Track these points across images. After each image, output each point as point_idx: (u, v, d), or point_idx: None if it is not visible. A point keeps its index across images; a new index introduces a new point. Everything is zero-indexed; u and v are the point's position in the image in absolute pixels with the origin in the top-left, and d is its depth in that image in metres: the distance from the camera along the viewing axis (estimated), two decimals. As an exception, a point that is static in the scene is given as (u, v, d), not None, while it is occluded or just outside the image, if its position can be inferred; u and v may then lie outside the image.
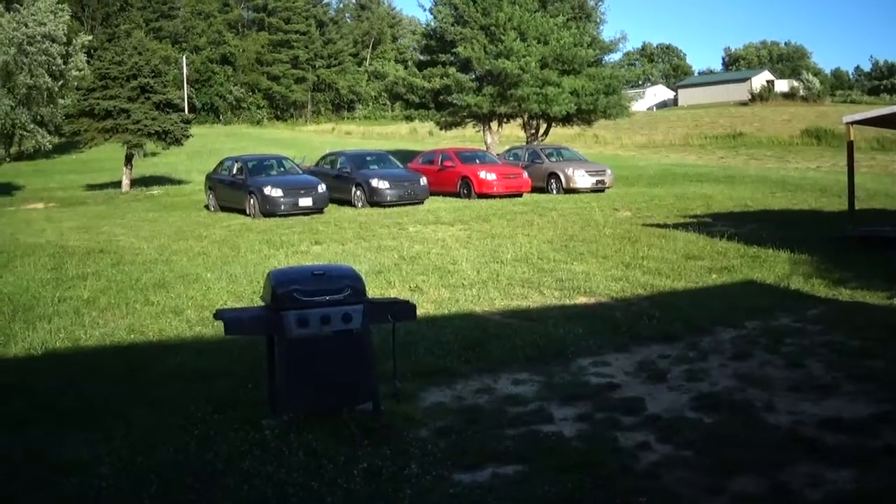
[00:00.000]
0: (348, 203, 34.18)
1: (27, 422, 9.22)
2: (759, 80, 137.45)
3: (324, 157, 40.35)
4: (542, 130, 57.42)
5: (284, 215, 30.58)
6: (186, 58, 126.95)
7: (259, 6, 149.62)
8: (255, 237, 24.99)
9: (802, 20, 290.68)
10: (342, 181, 35.08)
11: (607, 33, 64.23)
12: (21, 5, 72.05)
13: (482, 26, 51.89)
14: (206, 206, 35.77)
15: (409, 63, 62.73)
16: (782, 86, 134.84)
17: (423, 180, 34.94)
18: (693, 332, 12.85)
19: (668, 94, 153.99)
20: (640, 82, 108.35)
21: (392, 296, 14.61)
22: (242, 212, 32.12)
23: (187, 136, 53.93)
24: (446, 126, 57.76)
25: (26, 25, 69.02)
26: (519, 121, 57.09)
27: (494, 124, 55.80)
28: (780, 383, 10.17)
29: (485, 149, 49.09)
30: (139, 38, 67.73)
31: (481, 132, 57.03)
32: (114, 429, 8.79)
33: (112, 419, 9.13)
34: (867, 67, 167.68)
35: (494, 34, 51.35)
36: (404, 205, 32.98)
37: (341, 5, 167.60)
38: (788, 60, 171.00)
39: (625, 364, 11.29)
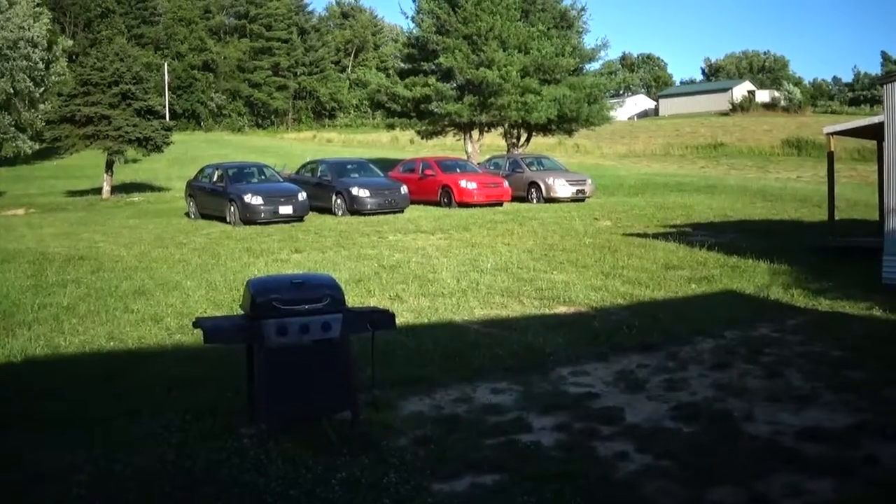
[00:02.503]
0: (329, 211, 34.16)
1: (5, 428, 9.19)
2: (740, 90, 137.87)
3: (304, 165, 40.32)
4: (522, 139, 57.51)
5: (265, 223, 30.54)
6: (168, 64, 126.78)
7: (241, 13, 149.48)
8: (235, 245, 24.96)
9: (781, 30, 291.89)
10: (323, 189, 35.05)
11: (588, 42, 64.28)
12: (-1, 10, 71.84)
13: (464, 35, 51.94)
14: (187, 214, 35.69)
15: (391, 71, 62.77)
16: (763, 96, 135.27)
17: (404, 189, 34.95)
18: (672, 342, 12.87)
19: (648, 103, 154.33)
20: (620, 91, 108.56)
21: (372, 304, 14.59)
22: (223, 219, 32.06)
23: (168, 143, 53.94)
24: (427, 135, 57.85)
25: (3, 29, 68.78)
26: (500, 130, 57.21)
27: (475, 133, 55.88)
28: (760, 393, 10.19)
29: (465, 158, 49.15)
30: (121, 45, 67.45)
31: (462, 141, 57.09)
32: (92, 436, 8.75)
33: (91, 426, 9.10)
34: (846, 78, 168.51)
35: (476, 43, 51.41)
36: (385, 213, 32.97)
37: (325, 13, 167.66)
38: (769, 71, 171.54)
39: (604, 374, 11.29)
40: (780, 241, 23.79)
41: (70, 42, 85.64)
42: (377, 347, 9.45)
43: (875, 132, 23.09)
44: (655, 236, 24.81)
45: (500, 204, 36.16)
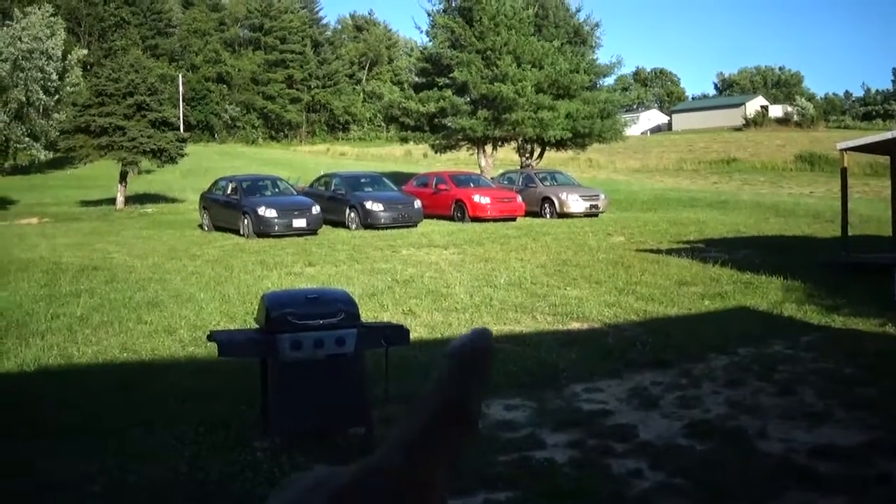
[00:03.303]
0: (342, 225, 34.16)
1: (19, 438, 9.22)
2: (754, 105, 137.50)
3: (318, 179, 40.31)
4: (536, 154, 57.45)
5: (278, 236, 30.55)
6: (182, 76, 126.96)
7: (255, 26, 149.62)
8: (248, 257, 24.97)
9: (793, 46, 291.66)
10: (336, 203, 35.05)
11: (602, 57, 64.21)
12: (13, 21, 71.99)
13: (478, 50, 51.98)
14: (200, 226, 35.71)
15: (406, 85, 62.78)
16: (776, 111, 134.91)
17: (418, 203, 34.94)
18: (686, 359, 12.84)
19: (662, 118, 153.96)
20: (634, 107, 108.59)
21: (385, 319, 14.60)
22: (236, 232, 32.08)
23: (182, 155, 54.05)
24: (441, 149, 57.78)
25: (21, 40, 68.99)
26: (513, 144, 57.15)
27: (489, 148, 55.80)
28: (773, 410, 10.17)
29: (479, 172, 49.12)
30: (136, 56, 67.67)
31: (476, 155, 57.05)
32: (105, 447, 8.78)
33: (104, 437, 9.13)
34: (857, 93, 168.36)
35: (490, 58, 51.44)
36: (398, 227, 32.95)
37: (339, 27, 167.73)
38: (783, 86, 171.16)
39: (617, 390, 11.28)
40: (794, 257, 23.71)
41: (84, 52, 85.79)
42: (391, 362, 9.46)
43: (888, 148, 23.10)
44: (669, 252, 24.77)
45: (514, 219, 36.11)
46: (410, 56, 71.49)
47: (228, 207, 33.53)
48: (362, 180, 37.82)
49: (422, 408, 0.64)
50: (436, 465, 0.60)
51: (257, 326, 8.87)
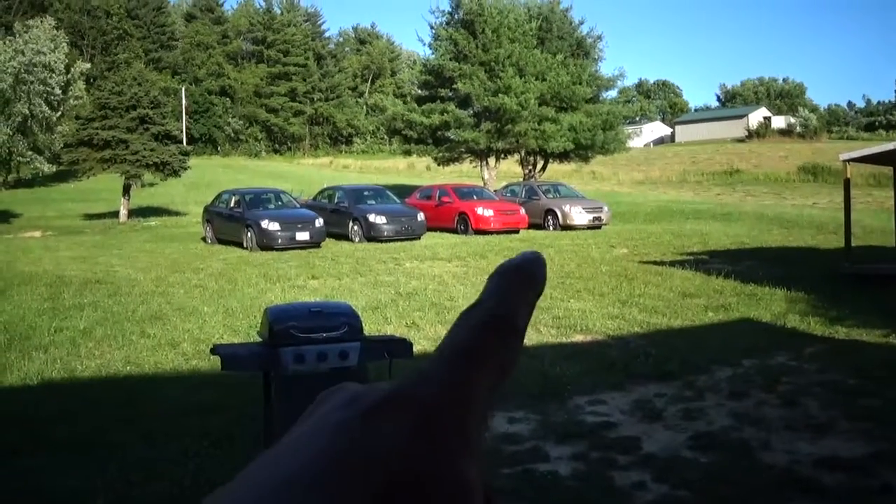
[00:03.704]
0: (345, 237, 34.17)
1: (22, 452, 9.22)
2: (756, 116, 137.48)
3: (321, 192, 40.34)
4: (539, 167, 57.50)
5: (281, 249, 30.55)
6: (185, 89, 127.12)
7: (258, 39, 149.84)
8: (251, 270, 24.98)
9: (795, 57, 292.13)
10: (339, 215, 35.07)
11: (605, 70, 64.40)
12: (15, 34, 72.08)
13: (482, 62, 52.07)
14: (204, 239, 35.73)
15: (409, 98, 62.88)
16: (779, 122, 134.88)
17: (421, 216, 34.94)
18: (689, 371, 12.83)
19: (664, 130, 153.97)
20: (637, 118, 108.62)
21: (389, 332, 14.60)
22: (240, 245, 32.09)
23: (185, 168, 54.09)
24: (444, 162, 57.83)
25: (23, 54, 69.05)
26: (516, 157, 57.21)
27: (492, 160, 55.86)
28: (777, 422, 10.16)
29: (482, 185, 49.13)
30: (139, 69, 67.85)
31: (479, 168, 57.08)
32: (109, 461, 8.77)
33: (107, 451, 9.12)
34: (860, 103, 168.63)
35: (493, 70, 51.52)
36: (401, 240, 32.95)
37: (340, 39, 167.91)
38: (786, 97, 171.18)
39: (621, 403, 11.27)
40: (797, 268, 23.71)
41: (88, 65, 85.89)
42: (394, 376, 9.44)
43: (891, 158, 23.11)
44: (672, 264, 24.76)
45: (517, 231, 36.13)
46: (413, 69, 71.61)
47: (232, 220, 33.55)
48: (365, 193, 37.82)
49: (467, 320, 0.64)
50: (481, 378, 0.59)
51: (260, 340, 8.86)
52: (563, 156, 56.08)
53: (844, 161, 23.60)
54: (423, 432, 0.54)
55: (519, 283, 0.64)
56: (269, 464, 0.54)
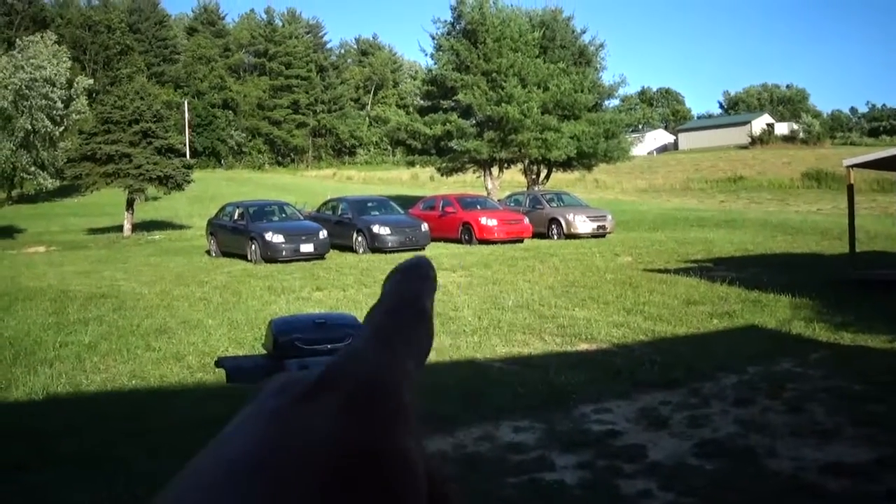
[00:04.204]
0: (349, 249, 34.19)
1: (28, 467, 9.22)
2: (759, 123, 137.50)
3: (325, 203, 40.38)
4: (542, 175, 57.53)
5: (286, 261, 30.59)
6: (188, 102, 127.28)
7: (259, 51, 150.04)
8: (256, 283, 24.99)
9: (798, 63, 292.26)
10: (343, 227, 35.10)
11: (607, 78, 64.31)
12: (15, 49, 72.24)
13: (483, 72, 52.13)
14: (208, 252, 35.77)
15: (411, 108, 62.96)
16: (782, 129, 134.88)
17: (425, 226, 34.97)
18: (694, 378, 12.81)
19: (668, 138, 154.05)
20: (639, 126, 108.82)
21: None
22: (244, 257, 32.13)
23: (189, 181, 54.22)
24: (447, 172, 57.89)
25: (23, 69, 69.16)
26: (520, 166, 57.25)
27: (495, 170, 55.92)
28: (782, 429, 10.15)
29: (486, 194, 49.14)
30: (141, 83, 67.93)
31: (482, 178, 57.11)
32: (115, 475, 8.77)
33: (113, 465, 9.12)
34: (863, 109, 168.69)
35: (496, 80, 51.57)
36: (405, 251, 32.94)
37: (342, 50, 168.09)
38: (789, 103, 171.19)
39: (626, 411, 11.26)
40: (802, 274, 23.67)
41: (90, 80, 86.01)
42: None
43: (895, 164, 23.07)
44: (676, 272, 24.76)
45: (521, 240, 36.13)
46: (415, 79, 71.70)
47: (236, 233, 33.60)
48: (369, 204, 37.86)
49: (381, 306, 0.66)
50: (405, 355, 0.61)
51: (265, 352, 8.87)
52: (567, 164, 56.15)
53: (848, 167, 23.56)
54: (357, 409, 0.55)
55: (416, 276, 0.67)
56: (210, 453, 0.55)
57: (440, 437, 10.15)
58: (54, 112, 71.11)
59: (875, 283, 21.17)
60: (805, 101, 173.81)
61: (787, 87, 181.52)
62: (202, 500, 0.50)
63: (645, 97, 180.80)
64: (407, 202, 45.52)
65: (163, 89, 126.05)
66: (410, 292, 0.66)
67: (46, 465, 9.28)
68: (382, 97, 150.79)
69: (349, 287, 23.85)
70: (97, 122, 53.89)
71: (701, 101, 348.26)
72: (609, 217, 39.65)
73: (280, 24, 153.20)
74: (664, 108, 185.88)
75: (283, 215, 35.60)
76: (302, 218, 35.81)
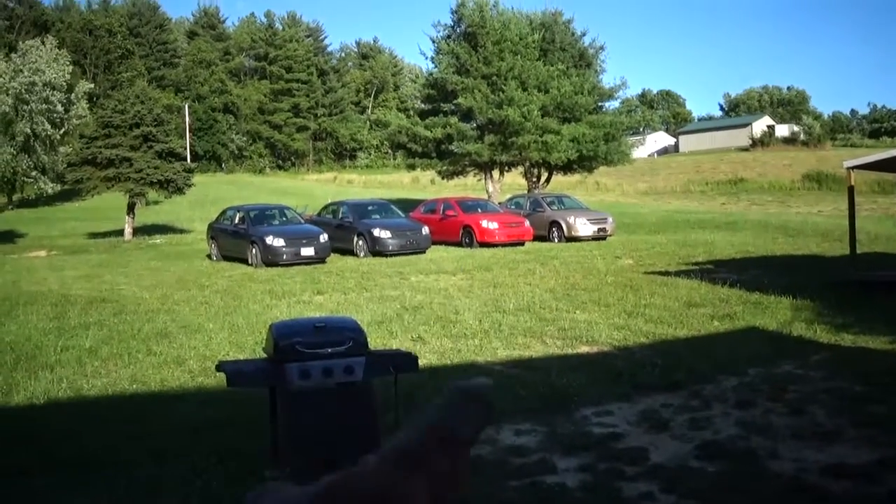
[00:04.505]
0: (350, 252, 34.23)
1: (29, 472, 9.21)
2: (760, 125, 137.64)
3: (325, 207, 40.46)
4: (543, 178, 57.53)
5: (286, 265, 30.62)
6: (189, 106, 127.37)
7: (260, 55, 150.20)
8: (257, 287, 25.01)
9: (798, 65, 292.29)
10: (344, 230, 35.14)
11: (607, 80, 64.17)
12: (16, 53, 72.31)
13: (484, 75, 52.14)
14: (209, 256, 35.83)
15: (412, 112, 62.99)
16: (783, 130, 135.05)
17: (425, 229, 35.00)
18: (696, 381, 12.79)
19: (668, 140, 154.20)
20: (640, 129, 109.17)
21: (394, 346, 14.59)
22: (245, 261, 32.17)
23: (189, 185, 54.27)
24: (448, 175, 57.92)
25: (22, 73, 69.21)
26: (520, 169, 57.26)
27: (496, 173, 55.94)
28: (784, 430, 10.13)
29: (486, 198, 49.15)
30: (142, 87, 67.96)
31: (483, 181, 57.12)
32: (116, 479, 8.77)
33: (114, 469, 9.12)
34: (862, 110, 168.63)
35: (496, 83, 51.58)
36: (406, 254, 32.99)
37: (343, 54, 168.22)
38: (789, 105, 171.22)
39: (628, 413, 11.25)
40: (802, 276, 23.67)
41: (91, 85, 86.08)
42: (400, 390, 9.43)
43: (895, 165, 23.07)
44: (677, 274, 24.74)
45: (522, 243, 36.18)
46: (416, 82, 71.75)
47: (236, 237, 33.66)
48: (370, 208, 37.94)
49: (413, 426, 0.66)
50: (418, 480, 0.61)
51: (266, 356, 8.86)
52: (567, 167, 56.14)
53: (848, 168, 23.54)
54: None
55: (465, 399, 0.67)
56: None
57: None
58: (55, 116, 71.22)
59: (876, 284, 21.17)
60: (805, 103, 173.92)
61: (788, 88, 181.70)
62: None
63: (645, 99, 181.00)
64: (408, 205, 45.61)
65: (163, 93, 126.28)
66: (451, 419, 0.66)
67: (47, 469, 9.27)
68: (383, 100, 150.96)
69: (350, 291, 23.85)
70: (98, 126, 53.96)
71: (701, 103, 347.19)
72: (610, 220, 39.67)
73: (280, 27, 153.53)
74: (665, 111, 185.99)
75: (284, 219, 35.69)
76: (303, 222, 35.86)
